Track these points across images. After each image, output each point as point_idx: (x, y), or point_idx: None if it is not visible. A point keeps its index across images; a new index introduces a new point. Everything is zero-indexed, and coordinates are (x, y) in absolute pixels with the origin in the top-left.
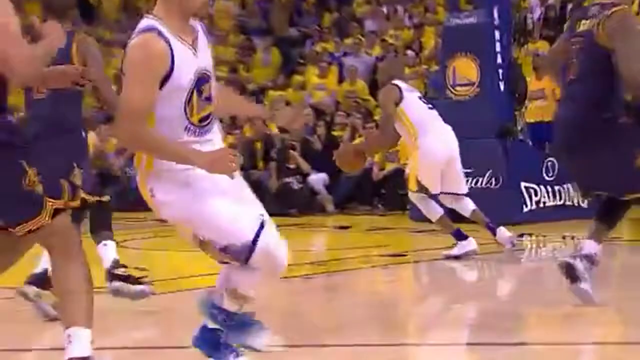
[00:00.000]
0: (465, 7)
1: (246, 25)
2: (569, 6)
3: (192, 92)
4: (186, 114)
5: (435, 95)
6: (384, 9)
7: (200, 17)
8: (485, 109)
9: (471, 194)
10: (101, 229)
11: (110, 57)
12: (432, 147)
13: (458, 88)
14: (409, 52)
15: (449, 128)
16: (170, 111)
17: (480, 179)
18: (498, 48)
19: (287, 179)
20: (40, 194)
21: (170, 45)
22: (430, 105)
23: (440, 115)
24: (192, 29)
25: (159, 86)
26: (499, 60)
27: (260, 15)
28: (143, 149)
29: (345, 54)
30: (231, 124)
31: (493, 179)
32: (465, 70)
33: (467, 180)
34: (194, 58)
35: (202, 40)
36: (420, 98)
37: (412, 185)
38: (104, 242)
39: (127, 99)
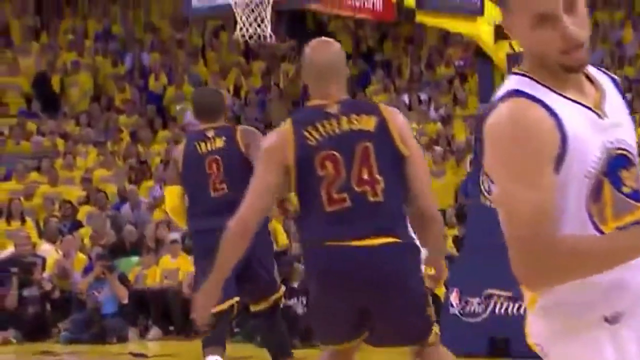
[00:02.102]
0: None
1: (241, 116)
2: None
3: (601, 183)
4: (591, 217)
5: (467, 202)
6: (405, 98)
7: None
8: None
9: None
10: None
11: (77, 156)
12: None
13: None
14: (437, 148)
15: None
16: (563, 212)
17: (524, 304)
18: None
19: (289, 302)
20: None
21: (552, 110)
22: None
23: (472, 227)
24: (593, 81)
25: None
26: None
27: (258, 105)
28: (562, 272)
29: None
30: None
31: None
32: None
33: (507, 306)
34: (599, 126)
35: (613, 98)
36: None
37: None
38: None
39: (514, 208)
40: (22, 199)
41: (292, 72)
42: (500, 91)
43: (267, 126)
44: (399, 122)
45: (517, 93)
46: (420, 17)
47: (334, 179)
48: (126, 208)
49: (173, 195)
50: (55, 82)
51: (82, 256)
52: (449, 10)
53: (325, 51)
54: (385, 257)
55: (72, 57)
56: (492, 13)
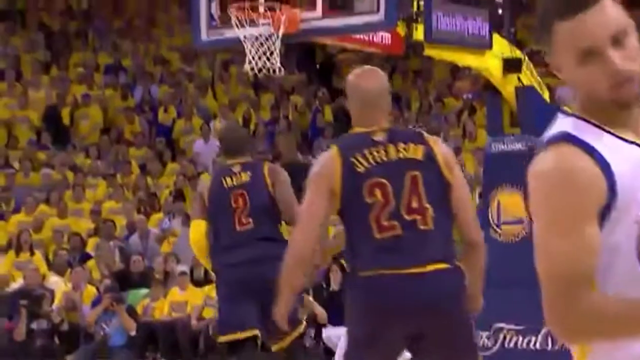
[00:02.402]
0: (510, 131)
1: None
2: None
3: None
4: None
5: None
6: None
7: None
8: None
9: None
10: None
11: (86, 188)
12: None
13: (504, 227)
14: None
15: None
16: (613, 259)
17: (534, 338)
18: None
19: None
20: None
21: (601, 158)
22: None
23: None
24: None
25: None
26: None
27: (267, 138)
28: (593, 332)
29: None
30: None
31: (549, 338)
32: (512, 205)
33: (517, 340)
34: None
35: None
36: None
37: None
38: None
39: (548, 257)
40: (31, 231)
41: (300, 104)
42: (549, 133)
43: (276, 158)
44: (443, 150)
45: (565, 138)
46: (429, 51)
47: (383, 207)
48: (134, 238)
49: (198, 230)
50: (65, 115)
51: (91, 288)
52: (457, 43)
53: (372, 79)
54: (438, 283)
55: (82, 90)
56: (501, 47)
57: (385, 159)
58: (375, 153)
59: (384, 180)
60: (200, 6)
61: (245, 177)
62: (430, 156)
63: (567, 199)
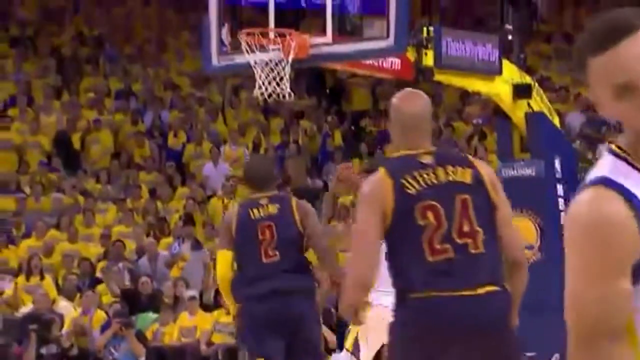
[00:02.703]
0: (521, 156)
1: None
2: None
3: None
4: None
5: None
6: None
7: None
8: (549, 278)
9: None
10: None
11: (97, 213)
12: None
13: None
14: None
15: None
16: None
17: None
18: (561, 205)
19: None
20: None
21: (638, 202)
22: None
23: None
24: None
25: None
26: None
27: (277, 162)
28: None
29: None
30: None
31: None
32: (522, 231)
33: None
34: None
35: None
36: None
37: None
38: None
39: (574, 302)
40: (41, 255)
41: (310, 128)
42: (593, 172)
43: (286, 182)
44: (489, 171)
45: (603, 181)
46: (439, 76)
47: (435, 230)
48: (144, 261)
49: (225, 262)
50: (75, 140)
51: (100, 313)
52: (467, 69)
53: (415, 102)
54: (490, 305)
55: (93, 115)
56: (511, 72)
57: (435, 181)
58: (425, 175)
59: (435, 203)
60: (210, 32)
61: (273, 209)
62: (478, 179)
63: (598, 248)
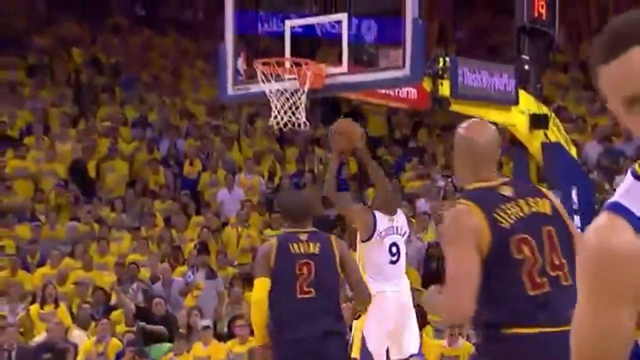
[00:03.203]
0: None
1: (274, 201)
2: None
3: None
4: None
5: None
6: (441, 184)
7: None
8: None
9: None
10: None
11: (111, 241)
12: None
13: None
14: None
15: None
16: None
17: None
18: None
19: None
20: None
21: None
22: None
23: None
24: None
25: None
26: None
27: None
28: None
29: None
30: None
31: None
32: None
33: None
34: None
35: None
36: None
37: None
38: None
39: (581, 335)
40: (55, 284)
41: (325, 157)
42: (613, 196)
43: None
44: (559, 202)
45: (615, 209)
46: (455, 106)
47: (533, 263)
48: (158, 286)
49: (262, 288)
50: (91, 168)
51: (115, 341)
52: (483, 99)
53: (486, 132)
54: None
55: (109, 144)
56: (527, 102)
57: (522, 214)
58: (511, 209)
59: (528, 236)
60: (226, 61)
61: (314, 248)
62: (555, 209)
63: (603, 280)
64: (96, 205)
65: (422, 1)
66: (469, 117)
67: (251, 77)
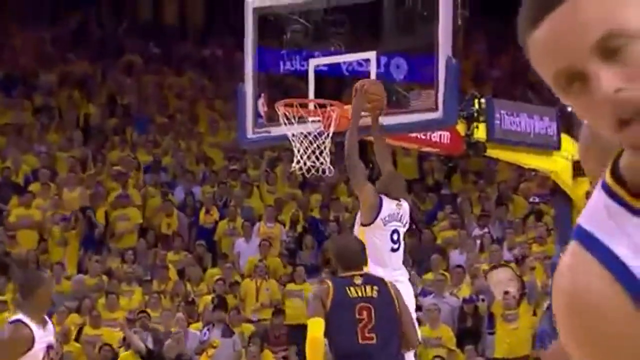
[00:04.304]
0: None
1: (293, 251)
2: None
3: None
4: None
5: (541, 354)
6: (476, 237)
7: None
8: None
9: None
10: None
11: (120, 295)
12: None
13: None
14: (511, 290)
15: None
16: None
17: None
18: None
19: None
20: None
21: (618, 268)
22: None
23: None
24: None
25: None
26: None
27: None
28: None
29: (424, 293)
30: None
31: None
32: None
33: None
34: None
35: None
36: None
37: None
38: None
39: None
40: (60, 341)
41: (351, 204)
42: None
43: (326, 263)
44: None
45: (581, 239)
46: (491, 151)
47: None
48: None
49: (318, 328)
50: (100, 216)
51: None
52: (522, 144)
53: None
54: None
55: (120, 190)
56: (570, 147)
57: None
58: None
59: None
60: (246, 102)
61: (372, 292)
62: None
63: (574, 324)
64: (105, 256)
65: (455, 37)
66: (506, 162)
67: (272, 119)
